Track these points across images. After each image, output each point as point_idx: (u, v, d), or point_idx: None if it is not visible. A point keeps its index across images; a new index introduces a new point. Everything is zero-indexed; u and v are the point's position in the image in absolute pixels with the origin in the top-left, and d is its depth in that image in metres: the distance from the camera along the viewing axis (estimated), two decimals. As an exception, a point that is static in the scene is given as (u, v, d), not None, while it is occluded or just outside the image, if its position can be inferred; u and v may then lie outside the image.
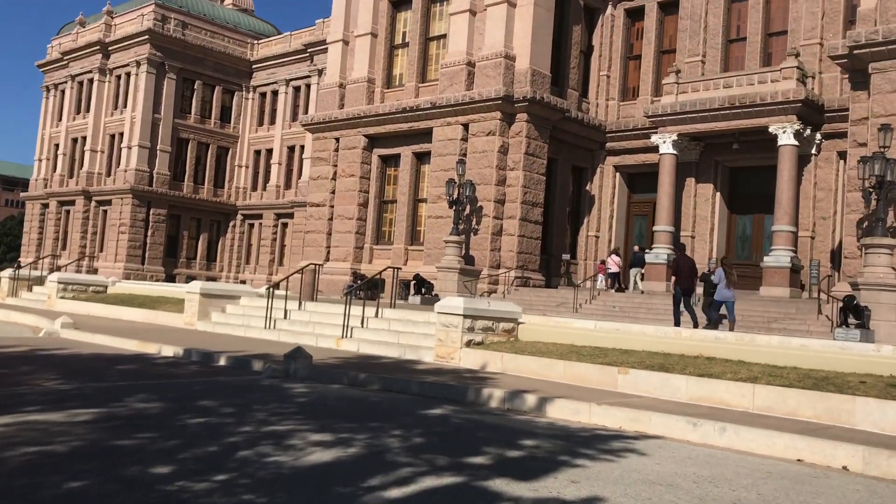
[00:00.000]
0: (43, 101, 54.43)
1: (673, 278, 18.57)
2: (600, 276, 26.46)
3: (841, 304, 16.54)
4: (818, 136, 23.90)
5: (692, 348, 12.20)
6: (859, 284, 17.80)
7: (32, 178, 54.46)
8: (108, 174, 47.59)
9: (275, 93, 48.68)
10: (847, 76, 21.81)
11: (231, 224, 49.54)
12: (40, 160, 53.57)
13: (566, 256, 28.49)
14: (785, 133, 23.05)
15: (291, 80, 47.37)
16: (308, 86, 46.00)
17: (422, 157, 29.02)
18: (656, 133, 25.84)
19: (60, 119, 52.26)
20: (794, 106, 22.86)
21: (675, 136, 25.30)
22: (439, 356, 13.86)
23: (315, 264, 23.67)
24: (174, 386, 10.17)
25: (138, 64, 45.73)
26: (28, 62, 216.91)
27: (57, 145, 52.03)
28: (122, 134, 46.62)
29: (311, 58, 45.36)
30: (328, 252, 30.81)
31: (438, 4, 29.45)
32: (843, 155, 23.17)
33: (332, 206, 30.93)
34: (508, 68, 26.24)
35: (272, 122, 48.73)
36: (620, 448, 7.38)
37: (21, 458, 5.69)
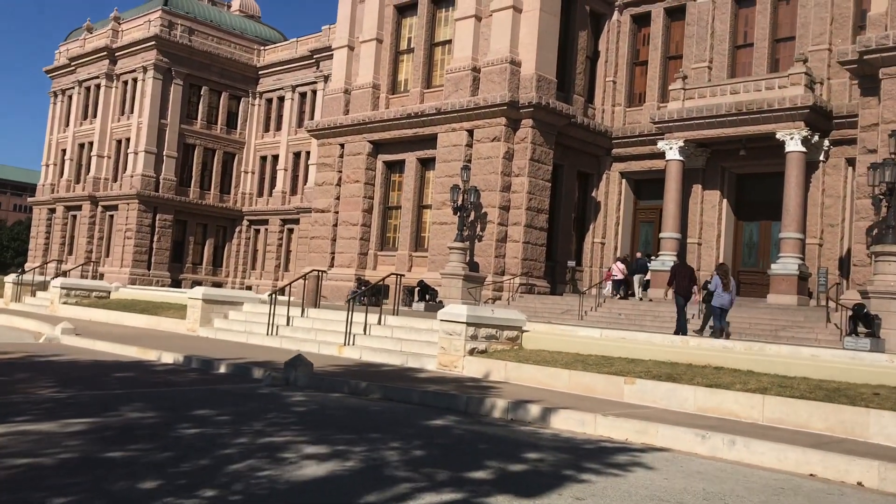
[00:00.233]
0: (50, 106, 54.57)
1: (671, 287, 18.37)
2: (608, 284, 26.22)
3: (850, 313, 16.33)
4: (826, 142, 23.65)
5: (700, 358, 11.98)
6: (869, 293, 17.56)
7: (39, 183, 54.53)
8: (115, 179, 47.58)
9: (281, 99, 48.66)
10: (856, 82, 21.59)
11: (237, 230, 49.48)
12: (47, 165, 53.67)
13: (571, 263, 28.28)
14: (792, 139, 22.80)
15: (297, 86, 47.33)
16: (314, 92, 45.93)
17: (426, 163, 28.86)
18: (663, 139, 25.64)
19: (67, 124, 52.35)
20: (801, 112, 22.62)
21: (681, 143, 25.09)
22: (442, 364, 13.66)
23: (319, 270, 23.49)
24: (171, 394, 9.99)
25: (145, 70, 45.79)
26: (36, 68, 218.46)
27: (64, 151, 52.11)
28: (128, 139, 46.65)
29: (317, 64, 45.32)
30: (332, 258, 30.66)
31: (444, 10, 29.33)
32: (851, 162, 22.93)
33: (337, 213, 30.80)
34: (514, 74, 26.07)
35: (278, 128, 48.69)
36: (627, 462, 7.18)
37: (6, 471, 5.51)
